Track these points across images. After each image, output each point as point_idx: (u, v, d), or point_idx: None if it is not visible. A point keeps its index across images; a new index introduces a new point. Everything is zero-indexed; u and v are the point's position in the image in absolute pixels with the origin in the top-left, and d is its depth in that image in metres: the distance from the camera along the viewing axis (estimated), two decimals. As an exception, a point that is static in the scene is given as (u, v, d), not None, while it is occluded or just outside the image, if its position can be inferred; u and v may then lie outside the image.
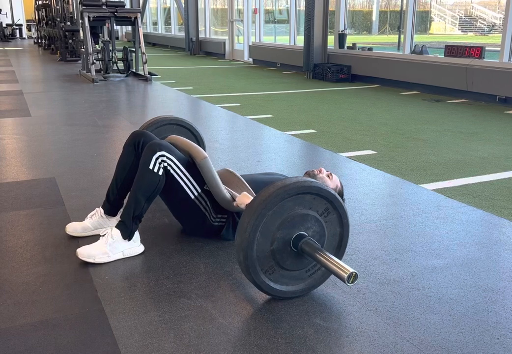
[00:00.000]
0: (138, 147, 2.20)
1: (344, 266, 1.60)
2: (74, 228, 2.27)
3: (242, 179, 2.24)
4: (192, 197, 2.11)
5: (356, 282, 1.60)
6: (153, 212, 2.56)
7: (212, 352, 1.50)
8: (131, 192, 2.07)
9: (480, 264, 2.05)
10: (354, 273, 1.57)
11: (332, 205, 1.78)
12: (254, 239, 1.65)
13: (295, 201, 1.71)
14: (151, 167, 2.00)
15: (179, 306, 1.73)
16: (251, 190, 2.16)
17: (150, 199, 2.05)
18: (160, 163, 2.01)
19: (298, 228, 1.73)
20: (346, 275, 1.56)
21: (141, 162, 2.03)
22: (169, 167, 2.03)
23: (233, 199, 2.11)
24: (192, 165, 2.13)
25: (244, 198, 2.02)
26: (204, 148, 2.85)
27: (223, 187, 2.11)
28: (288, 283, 1.77)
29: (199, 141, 2.83)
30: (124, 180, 2.23)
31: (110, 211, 2.28)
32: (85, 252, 2.02)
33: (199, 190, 2.12)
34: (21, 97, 6.28)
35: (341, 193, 2.59)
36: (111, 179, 2.28)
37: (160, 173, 2.01)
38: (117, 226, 2.06)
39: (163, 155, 2.02)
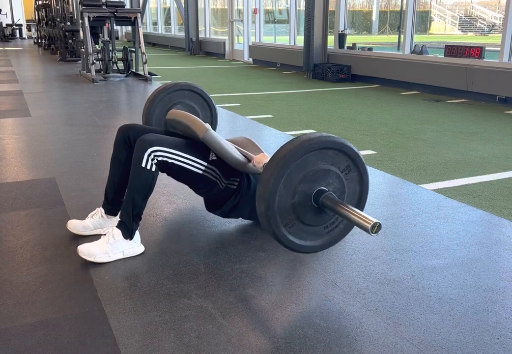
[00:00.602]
0: (129, 142, 2.19)
1: (367, 217, 1.60)
2: (74, 225, 2.27)
3: (260, 146, 2.27)
4: (200, 172, 2.11)
5: (380, 232, 1.59)
6: (153, 212, 2.56)
7: (212, 352, 1.50)
8: (127, 191, 2.06)
9: (480, 264, 2.05)
10: (378, 223, 1.56)
11: (353, 162, 1.79)
12: (277, 190, 1.65)
13: (318, 156, 1.71)
14: (143, 164, 1.99)
15: (179, 306, 1.73)
16: (267, 154, 2.17)
17: (146, 196, 2.05)
18: (152, 159, 1.99)
19: (320, 184, 1.73)
20: (370, 225, 1.56)
21: (134, 160, 2.02)
22: (165, 159, 2.02)
23: (249, 161, 2.12)
24: (192, 142, 2.13)
25: (262, 158, 2.05)
26: (215, 113, 2.85)
27: (232, 152, 2.10)
28: (306, 238, 1.77)
29: (210, 106, 2.84)
30: (120, 177, 2.22)
31: (110, 211, 2.28)
32: (86, 250, 2.01)
33: (205, 164, 2.12)
34: (21, 97, 6.28)
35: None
36: (107, 179, 2.28)
37: (153, 169, 2.00)
38: (118, 226, 2.06)
39: (155, 150, 2.00)
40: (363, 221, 1.59)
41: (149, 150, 1.99)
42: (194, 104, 2.78)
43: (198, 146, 2.12)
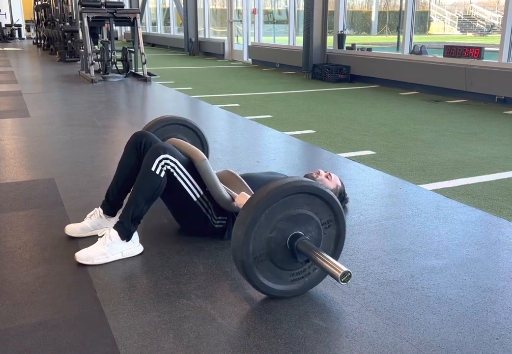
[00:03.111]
0: (140, 147, 2.20)
1: (339, 265, 1.61)
2: (72, 228, 2.27)
3: (242, 180, 2.24)
4: (195, 199, 2.12)
5: (349, 281, 1.61)
6: (152, 212, 2.56)
7: (212, 353, 1.50)
8: (131, 193, 2.07)
9: (479, 264, 2.05)
10: (348, 273, 1.57)
11: (336, 218, 1.80)
12: (259, 218, 1.64)
13: (307, 200, 1.72)
14: (153, 169, 2.00)
15: (178, 307, 1.73)
16: (251, 190, 2.17)
17: (150, 201, 2.05)
18: (163, 166, 2.01)
19: (300, 228, 1.73)
20: (340, 274, 1.57)
21: (144, 164, 2.03)
22: (172, 170, 2.04)
23: (233, 199, 2.11)
24: (194, 167, 2.14)
25: (242, 199, 2.03)
26: (207, 150, 2.86)
27: (221, 188, 2.11)
28: (269, 278, 1.75)
29: (203, 143, 2.84)
30: (125, 180, 2.23)
31: (109, 211, 2.28)
32: (83, 255, 2.01)
33: (201, 192, 2.12)
34: (20, 98, 6.27)
35: (342, 192, 2.59)
36: (111, 179, 2.27)
37: (162, 175, 2.01)
38: (115, 227, 2.06)
39: (166, 158, 2.02)
40: (334, 269, 1.60)
41: (162, 156, 2.01)
42: (186, 140, 2.74)
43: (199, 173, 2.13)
